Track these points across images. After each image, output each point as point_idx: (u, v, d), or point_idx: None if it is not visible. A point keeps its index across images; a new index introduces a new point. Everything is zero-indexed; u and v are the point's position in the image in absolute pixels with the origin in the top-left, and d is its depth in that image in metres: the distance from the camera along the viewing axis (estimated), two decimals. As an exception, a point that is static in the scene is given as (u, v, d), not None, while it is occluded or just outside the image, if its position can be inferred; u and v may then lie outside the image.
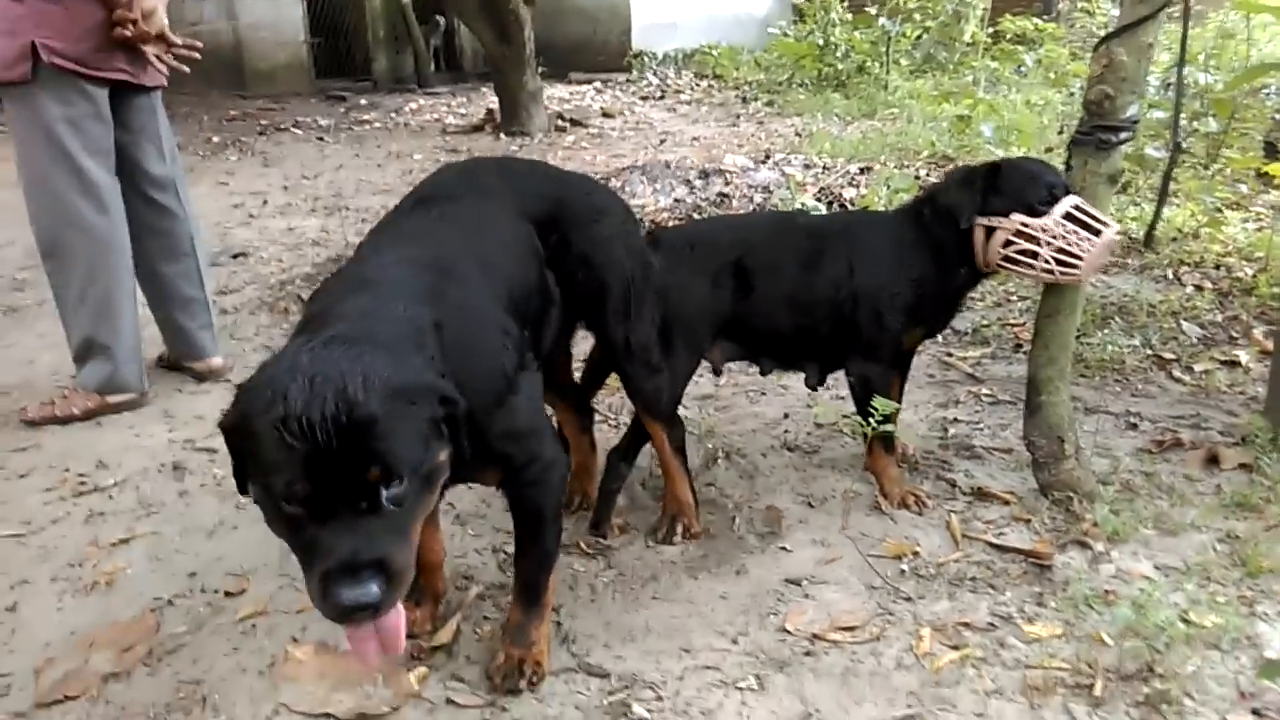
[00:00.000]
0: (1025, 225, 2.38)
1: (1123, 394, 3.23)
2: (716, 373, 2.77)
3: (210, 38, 2.85)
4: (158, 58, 3.13)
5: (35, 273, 4.84)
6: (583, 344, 2.53)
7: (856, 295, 2.53)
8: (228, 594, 2.30)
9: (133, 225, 3.23)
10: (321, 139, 9.04)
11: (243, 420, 1.42)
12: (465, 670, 2.00)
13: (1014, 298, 4.13)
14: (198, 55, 3.20)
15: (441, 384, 1.51)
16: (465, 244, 1.90)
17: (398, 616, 1.48)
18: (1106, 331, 3.64)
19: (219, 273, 4.77)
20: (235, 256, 5.18)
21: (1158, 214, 2.77)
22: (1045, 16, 11.13)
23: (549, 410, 2.35)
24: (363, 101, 11.41)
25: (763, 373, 2.74)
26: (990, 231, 2.44)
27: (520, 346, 1.82)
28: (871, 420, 2.48)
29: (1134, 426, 2.98)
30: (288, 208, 6.36)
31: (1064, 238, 2.33)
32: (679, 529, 2.44)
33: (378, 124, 9.94)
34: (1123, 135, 2.43)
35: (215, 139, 8.83)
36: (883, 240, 2.57)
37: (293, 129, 9.51)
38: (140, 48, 3.07)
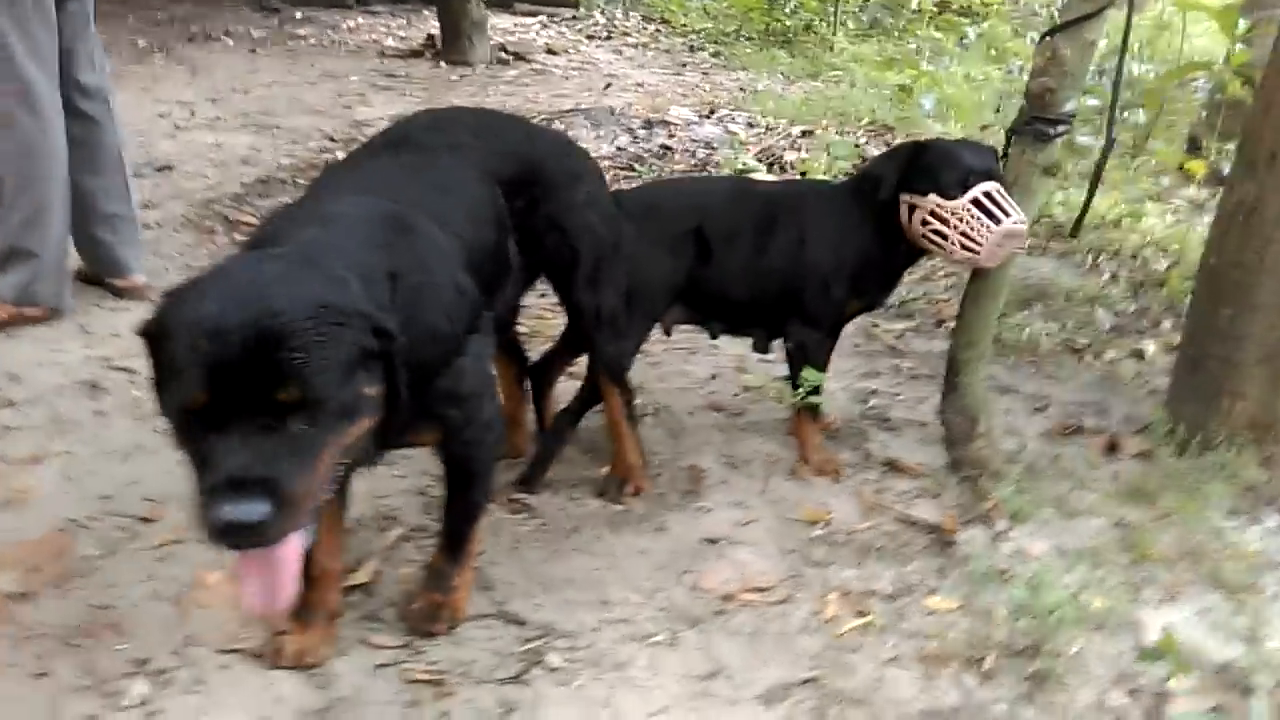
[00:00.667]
0: (939, 206, 2.45)
1: (1035, 376, 3.36)
2: (667, 333, 2.81)
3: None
4: None
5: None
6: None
7: (806, 264, 2.59)
8: (143, 519, 2.27)
9: None
10: (253, 51, 8.71)
11: (160, 324, 1.38)
12: (383, 612, 2.03)
13: (939, 274, 4.23)
14: None
15: (378, 315, 1.44)
16: (428, 199, 1.86)
17: (290, 555, 1.42)
18: (1025, 314, 3.76)
19: (141, 185, 4.59)
20: (159, 170, 5.00)
21: (1086, 206, 2.85)
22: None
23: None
24: (298, 15, 10.96)
25: (712, 336, 2.79)
26: (912, 208, 2.51)
27: (475, 308, 1.80)
28: (801, 389, 2.55)
29: (1042, 409, 3.11)
30: (216, 121, 6.14)
31: (968, 222, 2.41)
32: (628, 489, 2.47)
33: (312, 40, 9.60)
34: (1060, 128, 2.50)
35: (141, 43, 8.43)
36: (833, 212, 2.64)
37: (223, 38, 9.13)
38: None
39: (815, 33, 10.56)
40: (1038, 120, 2.48)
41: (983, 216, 2.40)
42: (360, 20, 11.08)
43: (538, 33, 10.90)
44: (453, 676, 1.85)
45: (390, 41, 9.82)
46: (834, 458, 2.69)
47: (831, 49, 9.91)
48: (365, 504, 2.36)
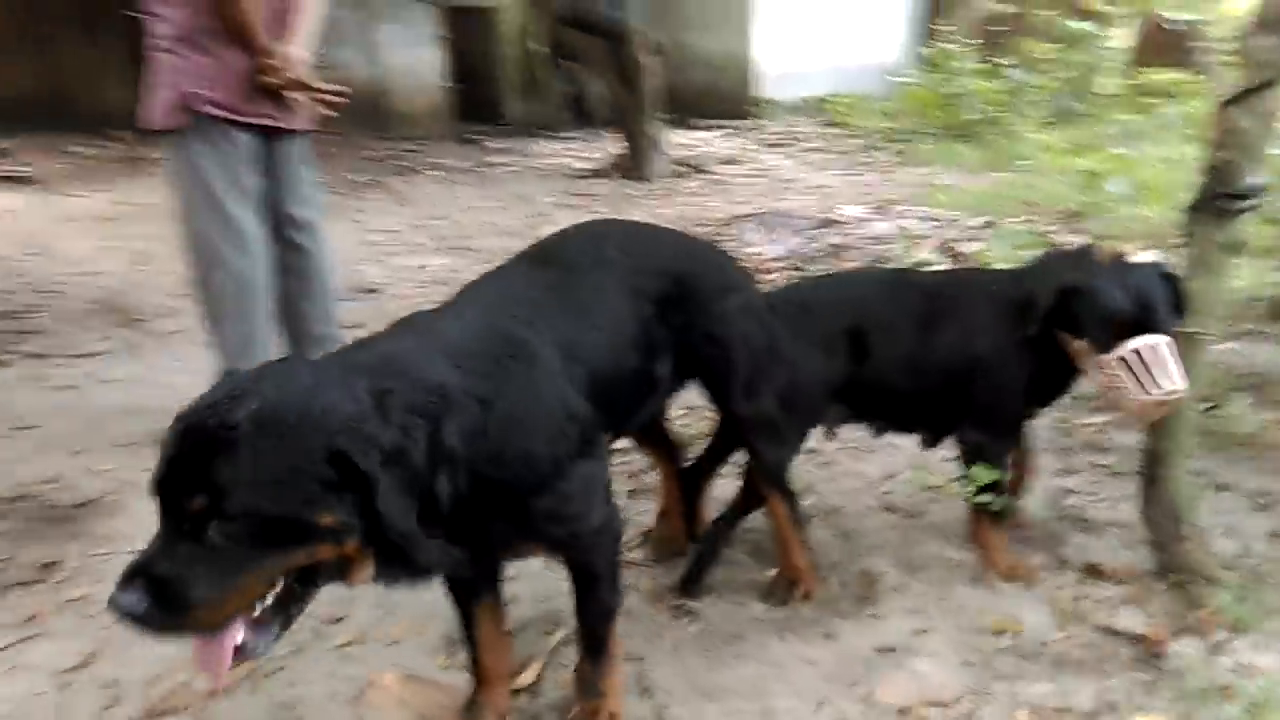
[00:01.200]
0: (1086, 352, 2.31)
1: (1255, 471, 3.04)
2: (830, 435, 2.70)
3: (353, 83, 3.03)
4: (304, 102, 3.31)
5: (183, 301, 5.15)
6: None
7: (972, 361, 2.44)
8: (332, 620, 2.37)
9: (273, 264, 3.41)
10: (453, 181, 9.37)
11: None
12: (546, 716, 2.02)
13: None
14: (344, 100, 3.35)
15: (345, 441, 1.37)
16: (558, 320, 1.84)
17: (223, 643, 1.41)
18: (1238, 402, 3.44)
19: (349, 308, 4.97)
20: (367, 292, 5.40)
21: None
22: (1187, 69, 10.74)
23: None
24: (496, 145, 11.78)
25: (876, 435, 2.67)
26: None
27: (587, 434, 1.77)
28: (972, 489, 2.41)
29: (1266, 507, 2.81)
30: (417, 246, 6.60)
31: (1118, 381, 2.23)
32: (796, 593, 2.40)
33: (506, 166, 10.25)
34: (1245, 203, 2.32)
35: (353, 178, 9.24)
36: (1000, 305, 2.45)
37: (426, 170, 9.88)
38: (286, 94, 3.26)
39: (998, 124, 10.34)
40: (1219, 195, 2.32)
41: (1133, 379, 2.21)
42: (551, 145, 11.77)
43: (715, 145, 11.22)
44: (613, 786, 1.81)
45: (577, 163, 10.34)
46: (1024, 562, 2.51)
47: (1015, 139, 9.68)
48: (529, 606, 2.38)
